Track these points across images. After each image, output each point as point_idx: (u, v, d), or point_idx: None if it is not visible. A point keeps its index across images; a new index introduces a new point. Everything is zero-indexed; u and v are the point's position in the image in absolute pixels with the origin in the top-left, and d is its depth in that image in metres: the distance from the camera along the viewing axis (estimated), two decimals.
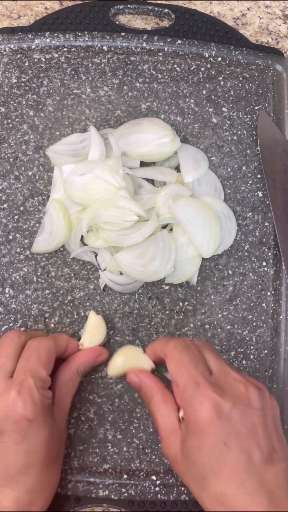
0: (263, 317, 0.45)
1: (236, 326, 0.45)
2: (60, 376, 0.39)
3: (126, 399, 0.43)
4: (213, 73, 0.50)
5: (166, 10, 0.51)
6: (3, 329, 0.44)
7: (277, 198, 0.46)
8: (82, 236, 0.45)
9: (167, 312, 0.45)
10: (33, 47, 0.49)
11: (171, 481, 0.41)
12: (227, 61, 0.50)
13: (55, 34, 0.49)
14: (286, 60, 0.51)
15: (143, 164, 0.46)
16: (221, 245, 0.45)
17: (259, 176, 0.48)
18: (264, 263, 0.46)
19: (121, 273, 0.44)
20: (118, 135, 0.45)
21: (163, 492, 0.41)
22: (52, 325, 0.44)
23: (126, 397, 0.43)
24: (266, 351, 0.45)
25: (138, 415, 0.43)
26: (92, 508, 0.41)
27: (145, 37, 0.50)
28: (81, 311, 0.44)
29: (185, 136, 0.48)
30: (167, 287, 0.45)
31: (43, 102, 0.48)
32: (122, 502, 0.40)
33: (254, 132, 0.49)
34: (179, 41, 0.50)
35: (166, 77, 0.49)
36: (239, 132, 0.49)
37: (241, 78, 0.50)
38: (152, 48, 0.50)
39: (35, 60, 0.49)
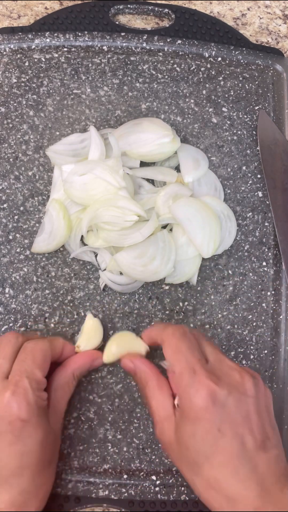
0: (263, 317, 0.45)
1: (236, 326, 0.45)
2: (55, 379, 0.39)
3: (126, 399, 0.43)
4: (213, 73, 0.50)
5: (166, 10, 0.51)
6: (3, 329, 0.44)
7: (277, 198, 0.46)
8: (82, 236, 0.45)
9: (167, 312, 0.45)
10: (33, 47, 0.49)
11: (171, 481, 0.41)
12: (227, 61, 0.50)
13: (55, 34, 0.49)
14: (286, 60, 0.51)
15: (143, 164, 0.46)
16: (221, 245, 0.45)
17: (259, 176, 0.48)
18: (264, 263, 0.46)
19: (121, 273, 0.44)
20: (118, 135, 0.45)
21: (163, 492, 0.41)
22: (52, 325, 0.44)
23: (126, 397, 0.43)
24: (266, 351, 0.45)
25: (138, 415, 0.43)
26: (92, 508, 0.41)
27: (145, 37, 0.50)
28: (81, 311, 0.44)
29: (185, 136, 0.48)
30: (167, 287, 0.45)
31: (43, 102, 0.48)
32: (122, 502, 0.40)
33: (254, 132, 0.49)
34: (179, 41, 0.50)
35: (166, 77, 0.50)
36: (239, 132, 0.49)
37: (241, 78, 0.50)
38: (152, 48, 0.50)
39: (35, 60, 0.49)
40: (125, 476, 0.41)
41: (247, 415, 0.34)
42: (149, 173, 0.46)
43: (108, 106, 0.49)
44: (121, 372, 0.43)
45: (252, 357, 0.44)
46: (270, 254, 0.46)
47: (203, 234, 0.43)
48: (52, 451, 0.37)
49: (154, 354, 0.42)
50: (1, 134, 0.47)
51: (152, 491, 0.41)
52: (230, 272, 0.46)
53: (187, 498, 0.41)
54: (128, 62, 0.49)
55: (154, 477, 0.41)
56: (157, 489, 0.41)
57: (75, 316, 0.44)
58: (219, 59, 0.50)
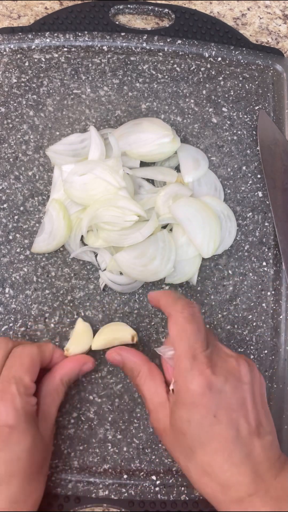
0: (263, 317, 0.45)
1: (236, 326, 0.45)
2: (44, 386, 0.39)
3: (126, 399, 0.43)
4: (213, 73, 0.50)
5: (166, 10, 0.51)
6: (3, 329, 0.44)
7: (277, 198, 0.46)
8: (82, 236, 0.45)
9: None
10: (33, 47, 0.49)
11: (171, 481, 0.41)
12: (227, 61, 0.50)
13: (55, 34, 0.49)
14: (286, 60, 0.51)
15: (143, 164, 0.46)
16: (221, 245, 0.45)
17: (259, 176, 0.48)
18: (264, 263, 0.46)
19: (121, 273, 0.44)
20: (118, 135, 0.45)
21: (163, 492, 0.41)
22: (52, 325, 0.44)
23: (126, 397, 0.43)
24: (266, 351, 0.45)
25: (138, 415, 0.43)
26: (92, 508, 0.41)
27: (145, 37, 0.50)
28: (81, 311, 0.44)
29: (185, 136, 0.48)
30: (167, 287, 0.45)
31: (43, 102, 0.48)
32: (122, 502, 0.40)
33: (254, 132, 0.49)
34: (179, 41, 0.50)
35: (166, 77, 0.50)
36: (239, 132, 0.49)
37: (241, 78, 0.50)
38: (152, 48, 0.50)
39: (35, 60, 0.49)
40: (125, 476, 0.41)
41: (243, 402, 0.34)
42: (149, 173, 0.46)
43: (108, 106, 0.49)
44: (121, 372, 0.43)
45: (252, 357, 0.44)
46: (270, 254, 0.46)
47: (203, 234, 0.43)
48: (42, 459, 0.37)
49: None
50: (1, 134, 0.47)
51: (152, 491, 0.41)
52: (230, 272, 0.46)
53: (187, 498, 0.41)
54: (128, 62, 0.50)
55: (154, 477, 0.41)
56: (157, 489, 0.41)
57: (75, 316, 0.44)
58: (219, 59, 0.50)
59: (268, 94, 0.50)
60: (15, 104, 0.48)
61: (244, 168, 0.48)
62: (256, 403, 0.34)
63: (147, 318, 0.44)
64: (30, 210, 0.46)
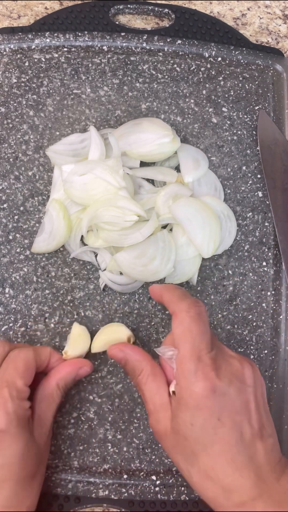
0: (263, 317, 0.45)
1: (236, 326, 0.45)
2: (40, 390, 0.38)
3: (126, 399, 0.43)
4: (213, 73, 0.50)
5: (166, 10, 0.51)
6: (3, 329, 0.44)
7: (277, 198, 0.46)
8: (82, 236, 0.45)
9: (167, 312, 0.45)
10: (33, 47, 0.49)
11: (171, 481, 0.41)
12: (227, 61, 0.50)
13: (55, 34, 0.49)
14: (286, 60, 0.51)
15: (143, 164, 0.46)
16: (221, 245, 0.45)
17: (259, 176, 0.48)
18: (264, 263, 0.46)
19: (121, 273, 0.44)
20: (118, 135, 0.45)
21: (163, 492, 0.41)
22: (52, 325, 0.44)
23: (126, 397, 0.43)
24: (266, 351, 0.45)
25: (138, 415, 0.43)
26: (92, 508, 0.41)
27: (145, 37, 0.50)
28: (81, 311, 0.44)
29: (185, 136, 0.48)
30: None
31: (43, 102, 0.48)
32: (122, 502, 0.40)
33: (254, 132, 0.49)
34: (179, 41, 0.50)
35: (166, 77, 0.50)
36: (239, 132, 0.49)
37: (241, 78, 0.50)
38: (152, 48, 0.50)
39: (35, 60, 0.49)
40: (125, 476, 0.41)
41: (247, 405, 0.33)
42: (149, 173, 0.46)
43: (108, 106, 0.49)
44: (121, 372, 0.43)
45: (252, 357, 0.44)
46: (270, 254, 0.46)
47: (203, 234, 0.43)
48: (36, 464, 0.36)
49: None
50: (1, 134, 0.47)
51: (152, 491, 0.41)
52: (230, 272, 0.46)
53: (187, 498, 0.41)
54: (128, 62, 0.50)
55: (154, 477, 0.41)
56: (157, 489, 0.41)
57: (75, 316, 0.44)
58: (219, 59, 0.50)
59: (268, 94, 0.50)
60: (15, 104, 0.48)
61: (244, 168, 0.48)
62: (259, 406, 0.34)
63: (147, 318, 0.44)
64: (30, 210, 0.46)
